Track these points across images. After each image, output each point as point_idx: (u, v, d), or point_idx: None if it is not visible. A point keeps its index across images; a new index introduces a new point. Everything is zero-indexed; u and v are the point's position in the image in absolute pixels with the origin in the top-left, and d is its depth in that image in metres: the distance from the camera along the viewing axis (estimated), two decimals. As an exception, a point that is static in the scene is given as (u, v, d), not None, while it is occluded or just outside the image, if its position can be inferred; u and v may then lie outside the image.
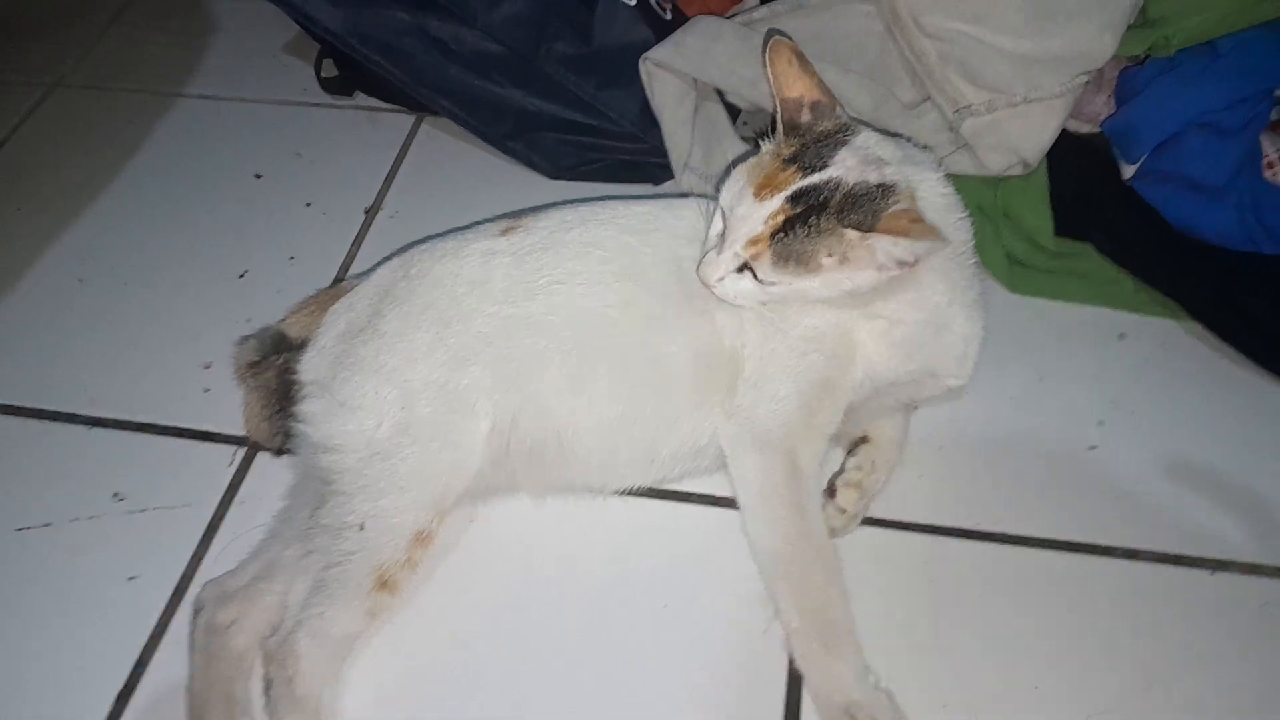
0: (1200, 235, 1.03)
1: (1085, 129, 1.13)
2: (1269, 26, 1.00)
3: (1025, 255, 1.09)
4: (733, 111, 1.20)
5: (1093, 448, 0.97)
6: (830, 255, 0.76)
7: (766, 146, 0.83)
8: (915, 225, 0.74)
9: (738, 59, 1.09)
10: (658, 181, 1.22)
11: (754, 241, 0.78)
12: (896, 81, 1.08)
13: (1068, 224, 1.09)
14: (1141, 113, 1.03)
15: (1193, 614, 0.85)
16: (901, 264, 0.76)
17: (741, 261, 0.79)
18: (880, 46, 1.07)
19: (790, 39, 0.83)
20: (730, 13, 1.17)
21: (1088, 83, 1.04)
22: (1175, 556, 0.88)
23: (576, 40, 1.16)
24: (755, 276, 0.79)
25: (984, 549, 0.89)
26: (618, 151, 1.21)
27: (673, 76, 1.13)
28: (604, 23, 1.17)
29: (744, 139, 1.18)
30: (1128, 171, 1.07)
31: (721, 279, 0.80)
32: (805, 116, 0.81)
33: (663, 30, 1.16)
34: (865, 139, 0.80)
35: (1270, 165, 1.03)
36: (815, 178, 0.77)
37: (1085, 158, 1.10)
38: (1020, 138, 1.03)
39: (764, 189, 0.78)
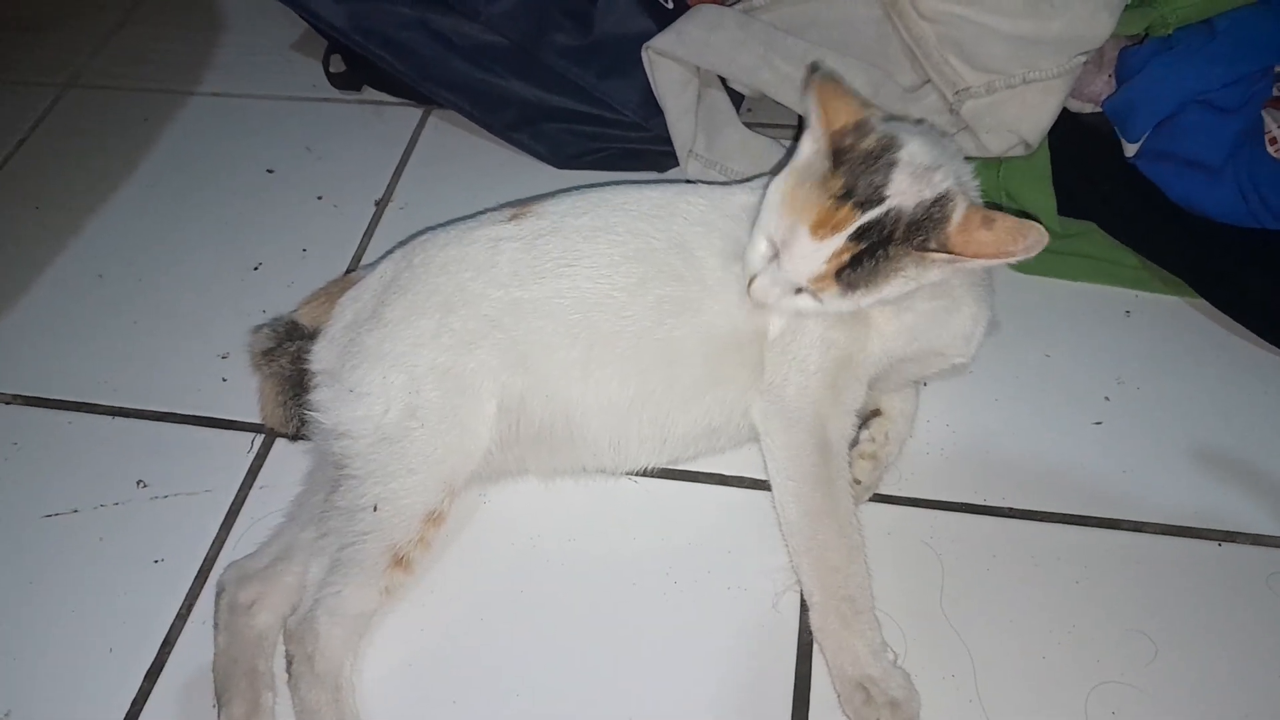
0: (1203, 212, 1.04)
1: (1087, 109, 1.13)
2: (1265, 4, 1.00)
3: (1029, 235, 1.09)
4: (736, 98, 1.21)
5: (1098, 423, 0.97)
6: (907, 276, 0.77)
7: (801, 160, 0.80)
8: (1005, 229, 0.74)
9: (739, 46, 1.10)
10: (662, 169, 1.23)
11: (819, 278, 0.77)
12: (895, 65, 1.08)
13: (1071, 203, 1.09)
14: (1140, 91, 1.03)
15: (1200, 585, 0.85)
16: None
17: (800, 288, 0.80)
18: (878, 31, 1.08)
19: (831, 71, 0.81)
20: (730, 0, 1.18)
21: (1086, 63, 1.04)
22: (1182, 528, 0.89)
23: (577, 31, 1.17)
24: (816, 299, 0.79)
25: (991, 523, 0.90)
26: (621, 140, 1.23)
27: (675, 64, 1.14)
28: (605, 13, 1.18)
29: (747, 125, 1.19)
30: (1130, 150, 1.07)
31: (778, 299, 0.81)
32: (849, 140, 0.78)
33: (664, 19, 1.17)
34: (911, 152, 0.77)
35: (1274, 141, 1.03)
36: (875, 213, 0.75)
37: (1087, 137, 1.11)
38: (1020, 119, 1.04)
39: (821, 228, 0.76)
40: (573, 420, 0.87)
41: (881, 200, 0.76)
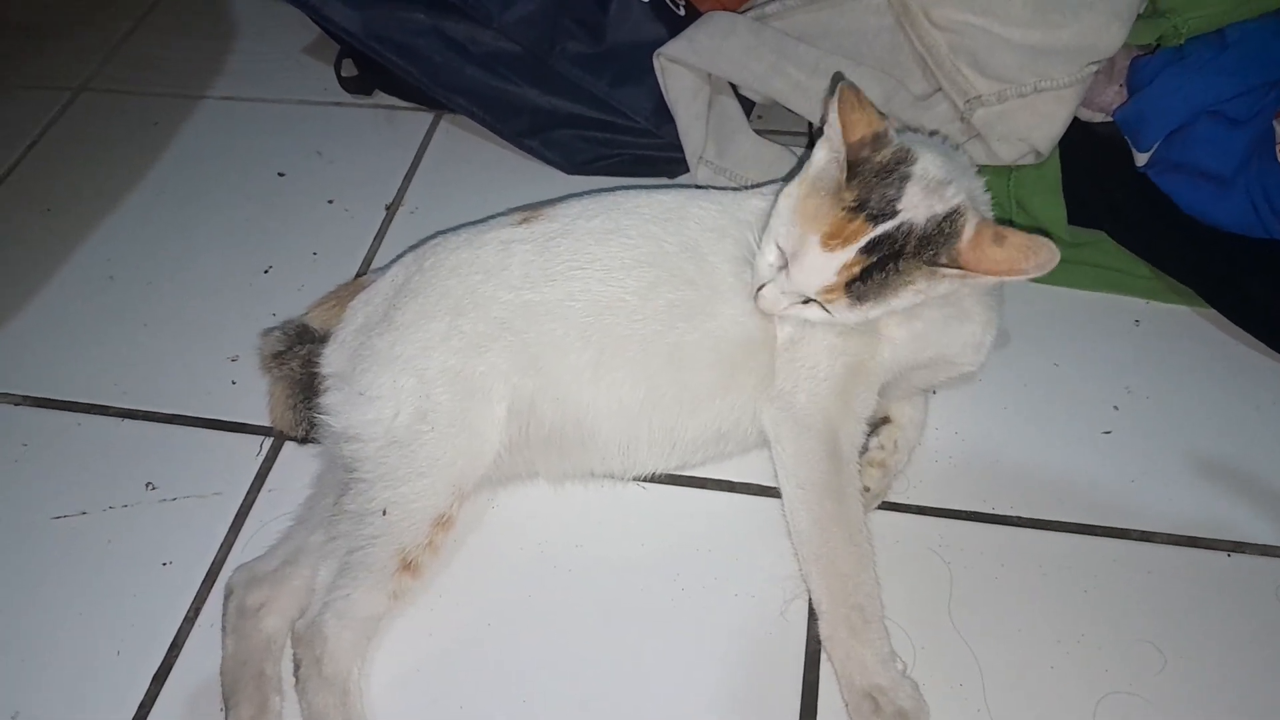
0: (1214, 222, 1.04)
1: (1098, 118, 1.13)
2: (1276, 16, 1.01)
3: (1039, 244, 1.10)
4: (746, 105, 1.22)
5: (1107, 432, 0.97)
6: (917, 289, 0.77)
7: (815, 169, 0.79)
8: (1016, 246, 0.74)
9: (750, 54, 1.10)
10: (673, 175, 1.24)
11: (828, 290, 0.77)
12: (907, 74, 1.08)
13: (1081, 212, 1.10)
14: (1151, 102, 1.03)
15: (1208, 596, 0.85)
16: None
17: (808, 298, 0.79)
18: (891, 39, 1.08)
19: (852, 83, 0.79)
20: (743, 8, 1.18)
21: (1098, 73, 1.04)
22: (1190, 539, 0.89)
23: (589, 39, 1.18)
24: (824, 309, 0.79)
25: (999, 532, 0.90)
26: (632, 146, 1.23)
27: (687, 71, 1.14)
28: (617, 20, 1.18)
29: (758, 132, 1.19)
30: (1141, 160, 1.07)
31: (786, 308, 0.81)
32: (865, 152, 0.77)
33: (676, 26, 1.18)
34: (924, 165, 0.77)
35: (1284, 151, 1.03)
36: (887, 226, 0.75)
37: (1098, 147, 1.11)
38: (1031, 128, 1.04)
39: (832, 239, 0.76)
40: (583, 423, 0.87)
41: (894, 214, 0.76)
